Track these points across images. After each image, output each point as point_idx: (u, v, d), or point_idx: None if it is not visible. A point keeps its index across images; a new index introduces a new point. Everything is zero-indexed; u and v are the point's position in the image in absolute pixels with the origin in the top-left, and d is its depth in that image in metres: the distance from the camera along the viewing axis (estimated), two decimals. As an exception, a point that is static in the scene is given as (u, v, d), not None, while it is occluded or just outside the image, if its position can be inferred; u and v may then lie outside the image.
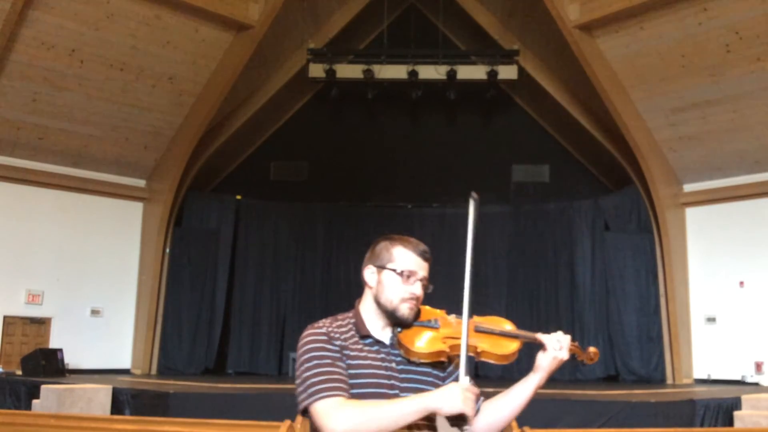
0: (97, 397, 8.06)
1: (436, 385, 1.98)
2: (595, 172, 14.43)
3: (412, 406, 1.79)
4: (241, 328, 13.73)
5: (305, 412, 1.87)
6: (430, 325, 2.02)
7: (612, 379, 12.58)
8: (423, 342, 1.97)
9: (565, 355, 2.02)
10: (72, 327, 12.15)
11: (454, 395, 1.77)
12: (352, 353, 1.93)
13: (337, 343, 1.92)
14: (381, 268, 2.02)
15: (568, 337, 2.04)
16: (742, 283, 11.76)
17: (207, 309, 13.39)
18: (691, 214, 12.44)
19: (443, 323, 2.03)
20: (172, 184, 12.96)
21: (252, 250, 14.05)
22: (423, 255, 2.04)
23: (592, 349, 2.14)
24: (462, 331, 1.92)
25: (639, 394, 8.88)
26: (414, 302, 2.01)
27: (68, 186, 12.28)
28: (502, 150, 14.41)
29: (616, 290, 12.80)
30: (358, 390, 1.87)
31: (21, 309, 11.74)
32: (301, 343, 1.93)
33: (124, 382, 9.69)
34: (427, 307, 2.09)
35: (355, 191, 14.38)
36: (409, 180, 14.39)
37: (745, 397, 8.09)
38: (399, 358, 1.97)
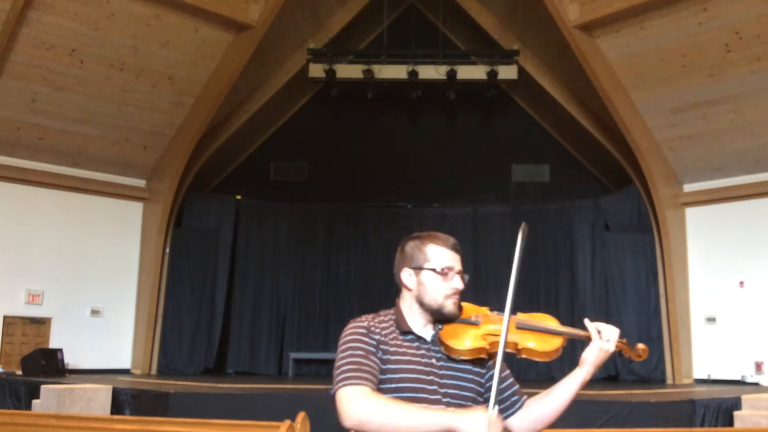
0: (97, 397, 8.06)
1: (476, 382, 2.00)
2: (595, 172, 14.43)
3: (434, 418, 1.76)
4: (241, 328, 13.73)
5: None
6: (470, 322, 2.02)
7: (612, 379, 12.58)
8: (463, 339, 1.98)
9: (611, 347, 2.00)
10: (72, 327, 12.15)
11: (479, 422, 1.73)
12: (391, 349, 1.94)
13: (376, 337, 1.94)
14: (418, 269, 2.02)
15: (616, 331, 2.02)
16: (742, 283, 11.76)
17: (207, 309, 13.38)
18: (691, 214, 12.44)
19: (484, 320, 2.04)
20: (172, 184, 12.96)
21: (252, 250, 14.04)
22: (454, 248, 2.06)
23: (640, 345, 2.08)
24: (501, 331, 1.91)
25: (639, 394, 8.88)
26: (457, 296, 2.03)
27: (68, 186, 12.28)
28: (502, 150, 14.41)
29: (616, 290, 12.80)
30: (397, 384, 1.89)
31: (21, 309, 11.74)
32: (342, 335, 1.97)
33: (124, 382, 9.70)
34: (469, 305, 2.10)
35: (355, 191, 14.38)
36: (409, 180, 14.39)
37: (745, 397, 8.08)
38: (440, 354, 1.99)
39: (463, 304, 2.08)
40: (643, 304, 12.56)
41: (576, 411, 7.80)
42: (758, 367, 11.38)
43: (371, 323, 1.98)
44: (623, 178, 13.32)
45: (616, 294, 12.79)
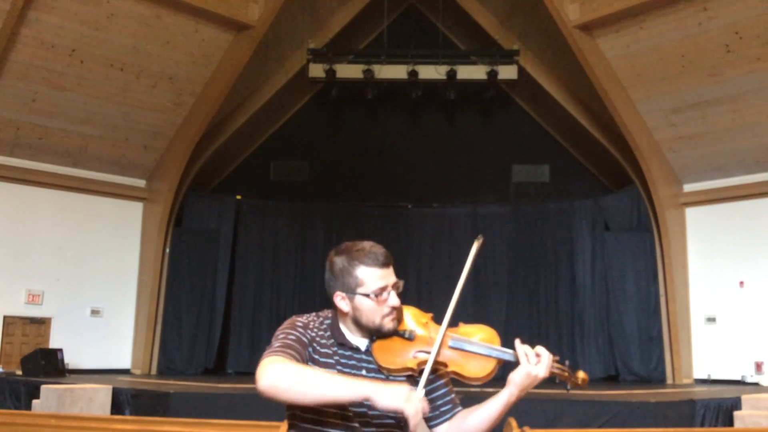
0: (97, 397, 8.06)
1: None
2: (595, 172, 14.43)
3: (347, 386, 1.72)
4: (241, 328, 13.73)
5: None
6: (404, 336, 1.96)
7: (612, 379, 12.59)
8: (392, 357, 1.93)
9: (540, 372, 1.89)
10: (72, 327, 12.14)
11: (397, 395, 1.70)
12: (322, 350, 1.95)
13: (311, 334, 1.96)
14: (351, 294, 1.97)
15: (549, 356, 1.92)
16: (742, 283, 11.75)
17: (207, 309, 13.38)
18: (691, 214, 12.44)
19: (421, 333, 1.97)
20: (172, 184, 12.96)
21: (252, 250, 14.04)
22: (385, 264, 1.97)
23: (581, 374, 1.99)
24: (433, 348, 1.88)
25: (639, 394, 8.88)
26: (395, 312, 1.97)
27: (68, 186, 12.28)
28: (502, 150, 14.41)
29: (616, 290, 12.79)
30: None
31: (21, 309, 11.73)
32: (280, 326, 1.99)
33: (124, 382, 9.69)
34: (413, 311, 2.04)
35: (355, 191, 14.38)
36: (409, 180, 14.39)
37: (745, 397, 8.08)
38: (372, 365, 1.96)
39: (408, 309, 2.02)
40: (643, 304, 12.55)
41: (576, 411, 7.83)
42: (758, 367, 11.38)
43: (310, 323, 2.00)
44: (623, 178, 13.32)
45: (616, 294, 12.78)
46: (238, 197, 14.16)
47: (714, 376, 11.76)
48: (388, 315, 1.95)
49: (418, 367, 1.92)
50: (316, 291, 14.07)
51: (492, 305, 13.37)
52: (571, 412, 7.56)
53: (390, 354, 1.93)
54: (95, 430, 4.37)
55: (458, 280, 1.97)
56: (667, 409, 7.75)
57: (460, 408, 2.04)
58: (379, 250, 1.99)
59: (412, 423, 1.70)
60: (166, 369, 12.88)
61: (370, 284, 1.95)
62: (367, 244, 2.01)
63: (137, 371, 12.65)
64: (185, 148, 12.73)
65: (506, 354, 1.94)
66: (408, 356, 1.93)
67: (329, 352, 1.95)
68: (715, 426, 7.75)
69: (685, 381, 11.86)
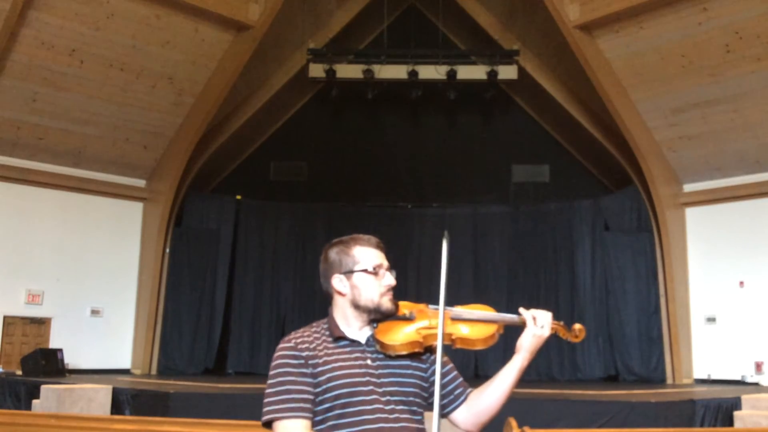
0: (97, 397, 8.06)
1: (418, 377, 2.00)
2: (595, 172, 14.43)
3: None
4: (241, 328, 13.73)
5: (267, 425, 1.89)
6: (405, 318, 2.04)
7: (612, 379, 12.58)
8: (396, 334, 1.99)
9: (545, 333, 2.00)
10: (72, 327, 12.15)
11: None
12: (321, 360, 1.94)
13: (304, 354, 1.95)
14: (349, 273, 2.03)
15: (549, 315, 2.03)
16: (742, 283, 11.75)
17: (207, 309, 13.38)
18: (691, 214, 12.44)
19: (419, 315, 2.04)
20: (172, 184, 12.96)
21: (252, 250, 14.04)
22: (379, 246, 2.09)
23: (577, 326, 2.08)
24: (437, 325, 1.93)
25: (639, 394, 8.88)
26: (391, 293, 2.05)
27: (68, 186, 12.28)
28: (502, 150, 14.41)
29: (616, 290, 12.80)
30: (332, 392, 1.88)
31: (21, 309, 11.74)
32: (273, 357, 1.99)
33: (124, 382, 9.69)
34: (406, 302, 2.10)
35: (355, 191, 14.38)
36: (409, 180, 14.39)
37: (745, 397, 8.09)
38: (375, 355, 1.98)
39: (400, 302, 2.09)
40: (643, 304, 12.55)
41: (576, 411, 7.84)
42: (758, 367, 11.38)
43: (299, 339, 2.00)
44: (623, 178, 13.32)
45: (616, 294, 12.78)
46: (238, 197, 14.17)
47: (714, 376, 11.76)
48: (385, 293, 2.03)
49: (424, 341, 1.98)
50: (316, 291, 14.05)
51: (491, 305, 13.32)
52: (571, 412, 7.56)
53: (393, 333, 1.99)
54: (95, 430, 4.36)
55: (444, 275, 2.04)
56: (667, 409, 7.75)
57: (471, 389, 2.10)
58: (373, 236, 2.10)
59: None
60: (166, 369, 12.88)
61: (368, 261, 2.04)
62: (361, 234, 2.12)
63: (137, 371, 12.65)
64: (185, 148, 12.73)
65: (505, 318, 2.05)
66: (411, 332, 2.00)
67: (328, 353, 1.96)
68: (715, 426, 7.75)
69: (685, 381, 11.86)
